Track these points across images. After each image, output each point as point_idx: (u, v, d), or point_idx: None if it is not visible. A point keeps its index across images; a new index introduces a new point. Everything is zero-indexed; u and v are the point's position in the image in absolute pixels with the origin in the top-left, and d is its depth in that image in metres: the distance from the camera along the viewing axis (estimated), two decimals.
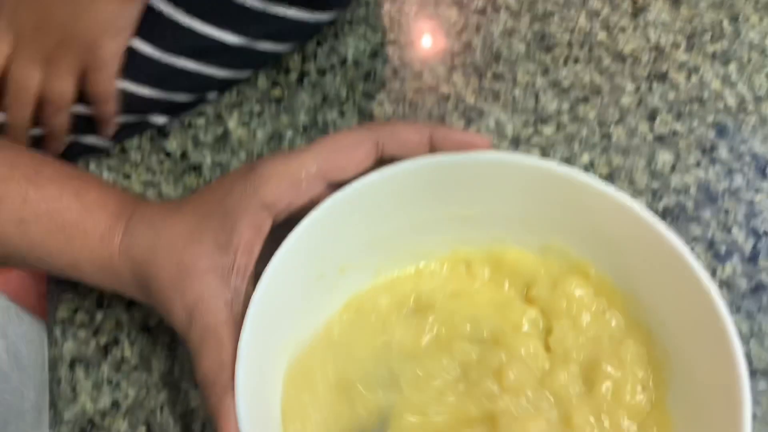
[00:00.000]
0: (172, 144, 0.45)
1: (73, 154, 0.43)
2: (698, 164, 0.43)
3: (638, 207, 0.31)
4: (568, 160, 0.43)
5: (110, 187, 0.37)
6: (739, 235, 0.41)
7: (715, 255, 0.40)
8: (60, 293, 0.40)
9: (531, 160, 0.32)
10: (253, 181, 0.32)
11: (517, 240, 0.34)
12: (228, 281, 0.31)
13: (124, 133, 0.43)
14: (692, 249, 0.41)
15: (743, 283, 0.39)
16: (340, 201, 0.31)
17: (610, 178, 0.43)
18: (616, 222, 0.31)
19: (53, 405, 0.37)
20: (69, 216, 0.34)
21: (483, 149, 0.32)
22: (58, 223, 0.34)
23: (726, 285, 0.39)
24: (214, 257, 0.31)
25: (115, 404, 0.37)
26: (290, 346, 0.32)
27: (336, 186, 0.32)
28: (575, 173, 0.31)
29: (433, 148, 0.32)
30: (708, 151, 0.43)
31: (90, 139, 0.43)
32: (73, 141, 0.42)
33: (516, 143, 0.44)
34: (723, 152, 0.43)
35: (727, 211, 0.41)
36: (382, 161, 0.33)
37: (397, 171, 0.32)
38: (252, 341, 0.29)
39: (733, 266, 0.40)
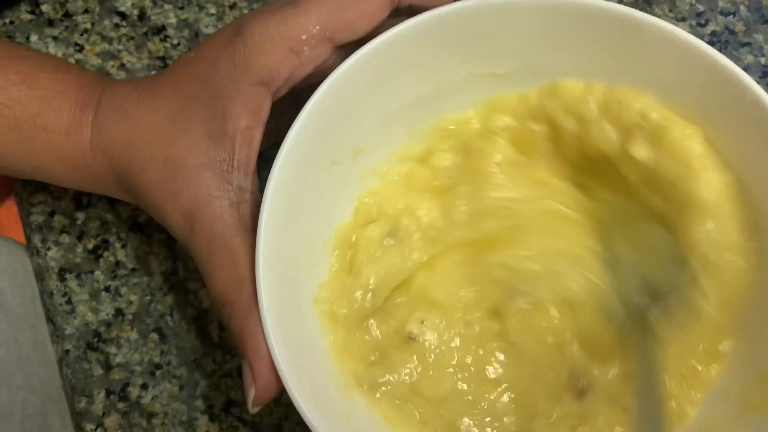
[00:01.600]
0: (125, 1, 0.37)
1: None
2: None
3: (686, 35, 0.26)
4: None
5: (65, 66, 0.30)
6: None
7: None
8: (29, 195, 0.35)
9: None
10: (241, 50, 0.26)
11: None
12: (229, 179, 0.26)
13: None
14: None
15: None
16: (353, 68, 0.26)
17: (647, 2, 0.37)
18: (665, 55, 0.27)
19: (50, 320, 0.34)
20: (21, 110, 0.28)
21: None
22: (9, 121, 0.28)
23: None
24: (207, 150, 0.26)
25: (119, 313, 0.33)
26: (315, 246, 0.28)
27: (343, 48, 0.26)
28: (613, 6, 0.26)
29: None
30: None
31: None
32: None
33: None
34: None
35: None
36: (397, 12, 0.26)
37: (420, 24, 0.26)
38: (271, 249, 0.24)
39: None
